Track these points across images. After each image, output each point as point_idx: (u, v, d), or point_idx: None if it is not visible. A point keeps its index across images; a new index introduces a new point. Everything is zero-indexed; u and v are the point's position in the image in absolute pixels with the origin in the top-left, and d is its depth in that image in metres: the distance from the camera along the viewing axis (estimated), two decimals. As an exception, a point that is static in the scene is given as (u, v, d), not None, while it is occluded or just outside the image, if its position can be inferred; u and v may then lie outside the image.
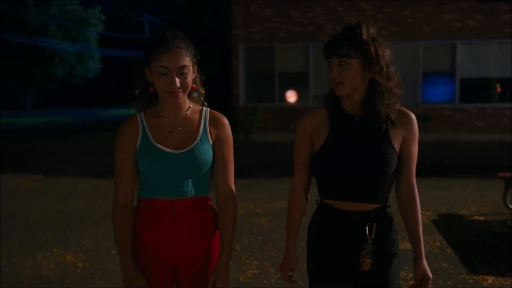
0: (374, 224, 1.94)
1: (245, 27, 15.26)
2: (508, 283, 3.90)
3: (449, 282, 3.94)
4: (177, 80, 1.92)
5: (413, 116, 2.00)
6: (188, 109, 2.05)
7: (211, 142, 2.03)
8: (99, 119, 30.91)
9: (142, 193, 2.04)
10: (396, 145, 1.96)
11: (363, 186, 1.93)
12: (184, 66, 1.92)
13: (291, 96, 15.71)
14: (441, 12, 14.60)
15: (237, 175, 6.92)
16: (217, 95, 23.12)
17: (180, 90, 1.94)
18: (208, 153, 2.01)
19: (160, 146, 1.98)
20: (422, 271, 2.00)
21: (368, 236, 1.93)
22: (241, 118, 14.85)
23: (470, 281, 3.96)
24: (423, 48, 14.86)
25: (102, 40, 40.30)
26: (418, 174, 2.04)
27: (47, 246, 4.99)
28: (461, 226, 5.58)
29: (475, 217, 5.94)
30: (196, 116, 2.05)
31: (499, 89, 15.21)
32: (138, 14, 33.02)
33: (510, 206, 6.06)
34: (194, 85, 2.04)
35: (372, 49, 1.89)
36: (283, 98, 15.60)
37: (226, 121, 2.07)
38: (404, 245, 2.97)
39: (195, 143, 1.99)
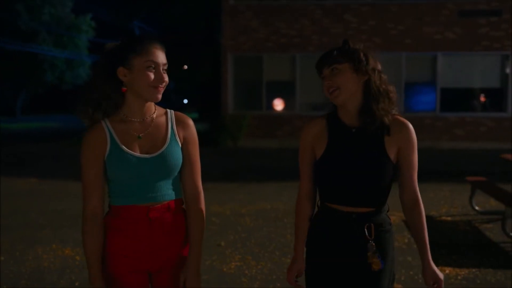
0: (372, 225, 2.01)
1: (234, 37, 15.75)
2: (463, 273, 4.37)
3: (411, 273, 4.40)
4: (165, 76, 1.97)
5: (410, 125, 2.04)
6: (154, 112, 2.05)
7: (180, 144, 2.04)
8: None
9: (114, 200, 2.01)
10: (392, 155, 2.02)
11: (359, 194, 2.02)
12: (166, 64, 1.98)
13: (278, 104, 16.18)
14: (422, 25, 15.19)
15: (225, 178, 7.63)
16: (208, 101, 23.53)
17: (164, 85, 1.98)
18: (178, 154, 2.02)
19: (131, 151, 1.96)
20: (432, 274, 2.03)
21: (368, 237, 1.99)
22: (229, 124, 15.30)
23: (429, 271, 4.42)
24: (405, 59, 15.40)
25: (92, 46, 40.58)
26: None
27: (46, 242, 5.39)
28: (429, 225, 6.02)
29: (443, 218, 6.42)
30: (163, 118, 2.05)
31: (479, 99, 15.80)
32: (130, 21, 33.43)
33: (476, 208, 6.55)
34: None
35: (361, 53, 2.00)
36: (270, 106, 16.06)
37: (191, 122, 2.10)
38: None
39: (165, 146, 1.99)
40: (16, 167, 11.54)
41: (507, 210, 5.31)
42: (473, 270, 4.44)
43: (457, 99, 15.60)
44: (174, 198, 2.03)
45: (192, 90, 39.13)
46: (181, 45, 28.18)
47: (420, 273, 4.35)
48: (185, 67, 33.18)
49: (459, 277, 4.27)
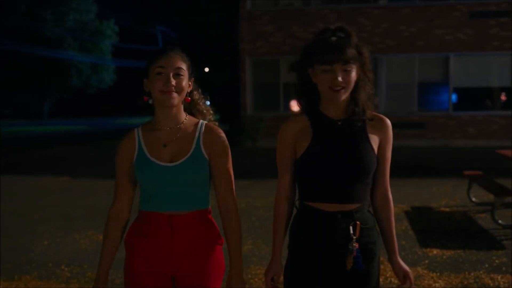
0: (358, 223, 1.97)
1: (251, 42, 16.42)
2: (448, 253, 4.92)
3: (403, 253, 4.94)
4: (173, 80, 1.97)
5: (389, 122, 2.06)
6: (183, 121, 2.08)
7: (205, 154, 2.04)
8: (112, 128, 32.10)
9: (142, 205, 2.08)
10: (375, 148, 2.01)
11: (345, 188, 1.96)
12: (180, 68, 2.00)
13: (295, 105, 16.74)
14: (434, 26, 15.64)
15: (242, 176, 8.49)
16: (228, 103, 24.25)
17: (175, 90, 1.98)
18: (201, 165, 2.02)
19: (154, 159, 2.01)
20: (401, 268, 2.07)
21: (352, 235, 1.95)
22: (248, 125, 15.96)
23: (419, 252, 4.98)
24: (418, 60, 15.87)
25: (116, 51, 41.66)
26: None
27: (82, 230, 6.08)
28: (427, 215, 6.60)
29: (442, 209, 6.95)
30: (191, 128, 2.08)
31: (490, 98, 16.18)
32: (152, 26, 34.34)
33: (473, 199, 7.07)
34: (188, 98, 2.10)
35: (366, 53, 1.98)
36: (287, 107, 16.65)
37: (222, 133, 2.09)
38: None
39: (188, 155, 2.01)
40: (48, 167, 12.38)
41: (496, 201, 5.83)
42: (459, 251, 4.99)
43: (469, 98, 16.01)
44: (199, 208, 2.05)
45: (213, 92, 39.95)
46: (201, 49, 28.98)
47: (410, 254, 4.94)
48: (206, 69, 33.98)
49: (444, 257, 4.82)
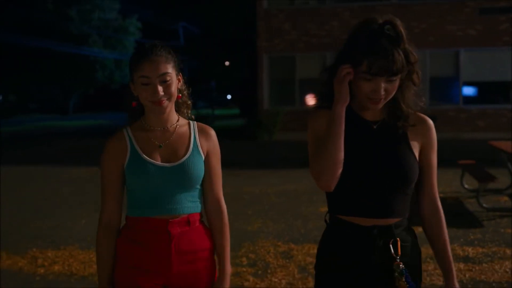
0: (398, 240, 1.76)
1: (268, 39, 17.17)
2: (431, 231, 5.62)
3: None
4: (160, 89, 1.86)
5: (432, 123, 1.83)
6: (177, 121, 2.01)
7: (202, 155, 1.99)
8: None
9: (132, 211, 1.95)
10: (416, 154, 1.79)
11: (384, 201, 1.75)
12: (166, 74, 1.86)
13: (311, 100, 17.44)
14: (444, 23, 16.18)
15: (258, 167, 9.60)
16: (247, 98, 25.05)
17: (164, 98, 1.88)
18: (200, 165, 1.97)
19: (151, 160, 1.91)
20: None
21: (394, 255, 1.73)
22: (265, 120, 16.74)
23: (406, 229, 5.70)
24: (429, 56, 16.42)
25: (139, 47, 42.67)
26: None
27: (113, 211, 6.94)
28: (421, 200, 7.28)
29: (437, 195, 7.62)
30: (185, 128, 2.01)
31: (500, 92, 16.68)
32: (174, 22, 35.26)
33: (465, 186, 7.73)
34: (180, 95, 1.99)
35: (414, 61, 1.72)
36: (303, 102, 17.38)
37: (213, 132, 2.05)
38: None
39: (187, 155, 1.95)
40: (78, 158, 13.36)
41: (480, 186, 6.50)
42: (441, 229, 5.68)
43: (479, 92, 16.55)
44: (193, 212, 1.98)
45: (233, 87, 40.81)
46: (222, 44, 29.82)
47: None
48: (227, 63, 34.82)
49: (427, 233, 5.53)
